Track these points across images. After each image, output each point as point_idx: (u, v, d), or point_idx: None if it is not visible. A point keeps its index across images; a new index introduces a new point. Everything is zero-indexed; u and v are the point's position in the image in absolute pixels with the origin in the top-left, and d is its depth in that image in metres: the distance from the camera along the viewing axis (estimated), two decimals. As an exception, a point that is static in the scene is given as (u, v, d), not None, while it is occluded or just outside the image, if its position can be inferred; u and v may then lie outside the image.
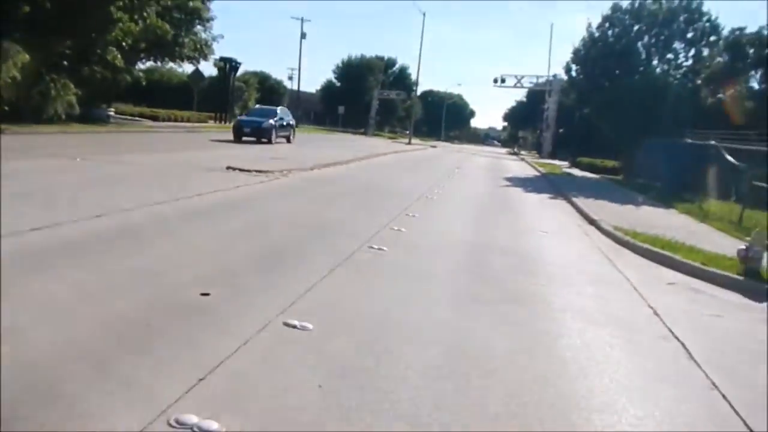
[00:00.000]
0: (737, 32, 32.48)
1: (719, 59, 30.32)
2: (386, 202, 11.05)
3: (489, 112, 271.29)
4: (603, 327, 5.33)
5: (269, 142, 24.83)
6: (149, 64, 35.21)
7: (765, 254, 7.98)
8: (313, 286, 5.17)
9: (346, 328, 4.33)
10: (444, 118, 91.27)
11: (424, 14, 60.14)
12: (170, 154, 15.66)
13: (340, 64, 79.52)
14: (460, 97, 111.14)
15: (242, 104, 57.89)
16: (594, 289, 6.66)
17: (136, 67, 31.28)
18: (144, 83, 30.87)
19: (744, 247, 7.99)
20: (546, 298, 6.06)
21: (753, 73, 30.95)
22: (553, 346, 4.69)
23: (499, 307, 5.48)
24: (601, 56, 27.96)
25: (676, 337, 5.33)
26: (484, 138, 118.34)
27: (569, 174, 26.98)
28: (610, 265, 8.23)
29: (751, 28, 32.59)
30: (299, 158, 16.50)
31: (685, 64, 28.84)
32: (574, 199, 15.43)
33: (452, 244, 8.11)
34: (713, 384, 4.39)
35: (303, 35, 60.43)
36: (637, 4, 28.85)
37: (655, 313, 6.02)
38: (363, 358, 3.82)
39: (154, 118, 32.55)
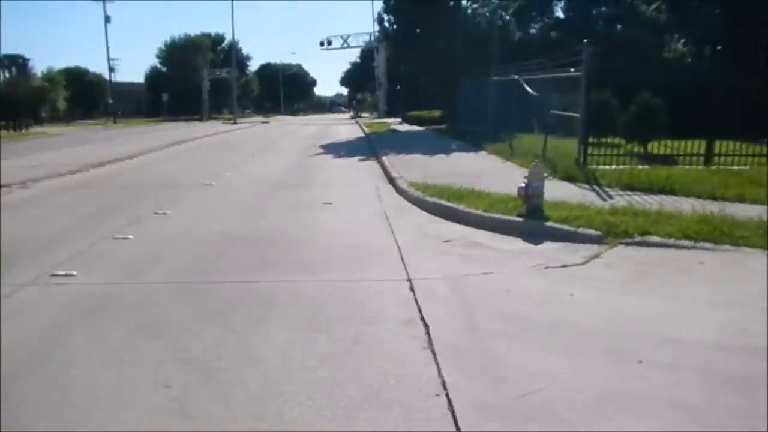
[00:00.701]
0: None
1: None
2: (139, 201, 9.22)
3: (335, 79, 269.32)
4: (324, 330, 4.10)
5: None
6: None
7: (544, 189, 7.31)
8: None
9: None
10: (282, 91, 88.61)
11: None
12: None
13: (163, 47, 74.11)
14: (299, 67, 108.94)
15: (50, 107, 51.89)
16: (345, 272, 5.46)
17: None
18: None
19: (523, 184, 7.23)
20: (271, 297, 4.75)
21: (557, 2, 32.00)
22: (223, 379, 3.36)
23: (168, 335, 4.06)
24: (413, 2, 27.22)
25: (423, 319, 4.26)
26: (330, 105, 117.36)
27: (394, 131, 26.34)
28: (387, 231, 7.14)
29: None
30: (67, 160, 14.02)
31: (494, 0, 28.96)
32: (385, 158, 14.48)
33: (189, 245, 6.55)
34: (443, 385, 3.31)
35: (107, 19, 54.93)
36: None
37: (411, 288, 4.94)
38: None
39: None
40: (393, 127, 29.08)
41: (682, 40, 29.86)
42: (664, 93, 13.72)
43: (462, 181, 9.52)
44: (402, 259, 5.86)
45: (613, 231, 6.07)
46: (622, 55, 24.01)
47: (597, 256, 5.58)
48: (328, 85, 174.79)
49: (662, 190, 8.39)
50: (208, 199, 9.51)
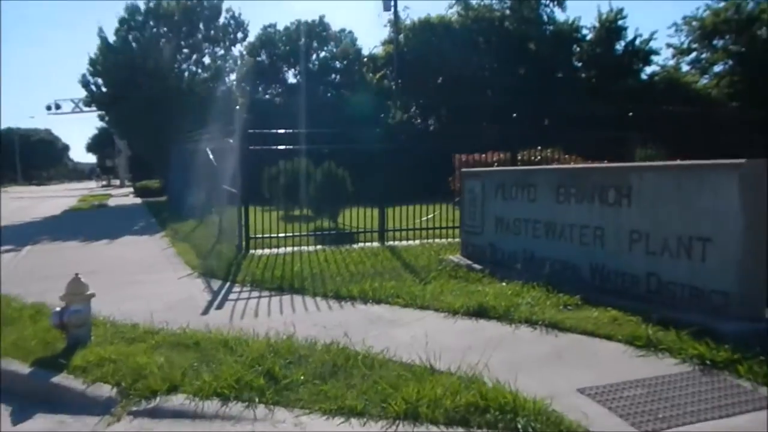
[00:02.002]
0: (269, 29, 32.69)
1: (252, 58, 29.82)
2: None
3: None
4: None
5: None
6: None
7: (90, 311, 5.14)
8: None
9: None
10: (18, 158, 78.24)
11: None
12: None
13: None
14: (48, 132, 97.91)
15: None
16: None
17: None
18: None
19: (59, 309, 4.98)
20: None
21: (288, 69, 31.41)
22: None
23: None
24: (123, 64, 24.34)
25: None
26: (90, 173, 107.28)
27: (103, 205, 22.76)
28: None
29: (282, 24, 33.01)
30: None
31: (219, 64, 27.24)
32: (27, 249, 11.38)
33: None
34: None
35: None
36: (152, 4, 25.97)
37: None
38: None
39: None
40: (110, 201, 25.37)
41: (413, 107, 31.14)
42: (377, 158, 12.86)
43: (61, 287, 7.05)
44: None
45: (138, 385, 4.03)
46: (351, 122, 23.75)
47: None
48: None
49: (293, 288, 6.76)
50: None
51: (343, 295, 6.26)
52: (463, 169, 8.22)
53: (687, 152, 11.95)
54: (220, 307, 6.27)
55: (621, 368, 3.95)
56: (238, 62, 26.51)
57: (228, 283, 7.38)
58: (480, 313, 5.28)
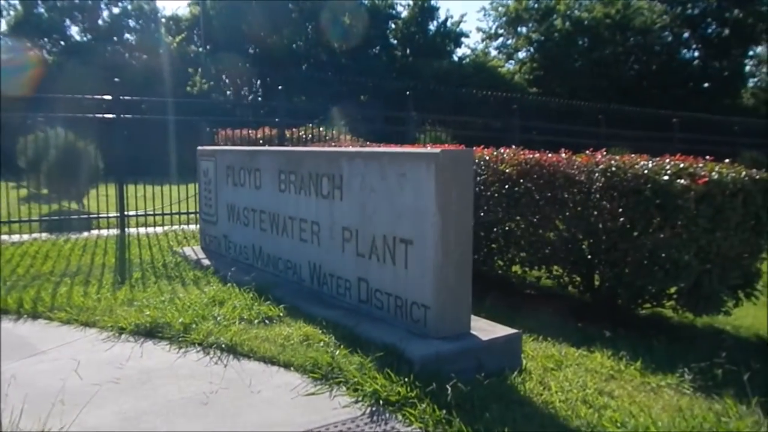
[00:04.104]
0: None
1: (23, 9, 25.58)
2: None
3: None
4: None
5: None
6: None
7: None
8: None
9: None
10: None
11: None
12: None
13: None
14: None
15: None
16: None
17: None
18: None
19: None
20: None
21: (70, 25, 27.36)
22: None
23: None
24: None
25: None
26: None
27: None
28: None
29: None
30: None
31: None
32: None
33: None
34: None
35: None
36: None
37: None
38: None
39: None
40: None
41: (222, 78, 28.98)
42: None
43: None
44: None
45: None
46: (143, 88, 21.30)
47: None
48: None
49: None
50: None
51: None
52: (199, 147, 6.97)
53: (473, 137, 11.75)
54: None
55: (274, 417, 3.03)
56: (4, 12, 22.49)
57: None
58: (151, 332, 4.15)
